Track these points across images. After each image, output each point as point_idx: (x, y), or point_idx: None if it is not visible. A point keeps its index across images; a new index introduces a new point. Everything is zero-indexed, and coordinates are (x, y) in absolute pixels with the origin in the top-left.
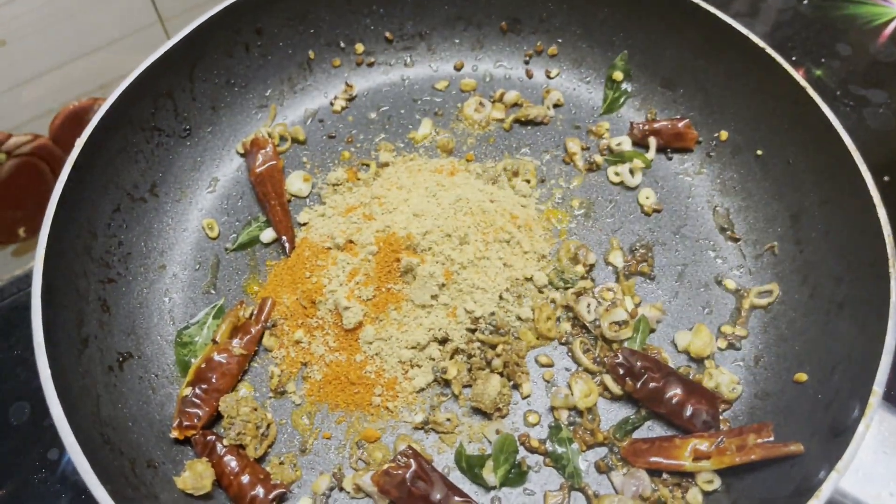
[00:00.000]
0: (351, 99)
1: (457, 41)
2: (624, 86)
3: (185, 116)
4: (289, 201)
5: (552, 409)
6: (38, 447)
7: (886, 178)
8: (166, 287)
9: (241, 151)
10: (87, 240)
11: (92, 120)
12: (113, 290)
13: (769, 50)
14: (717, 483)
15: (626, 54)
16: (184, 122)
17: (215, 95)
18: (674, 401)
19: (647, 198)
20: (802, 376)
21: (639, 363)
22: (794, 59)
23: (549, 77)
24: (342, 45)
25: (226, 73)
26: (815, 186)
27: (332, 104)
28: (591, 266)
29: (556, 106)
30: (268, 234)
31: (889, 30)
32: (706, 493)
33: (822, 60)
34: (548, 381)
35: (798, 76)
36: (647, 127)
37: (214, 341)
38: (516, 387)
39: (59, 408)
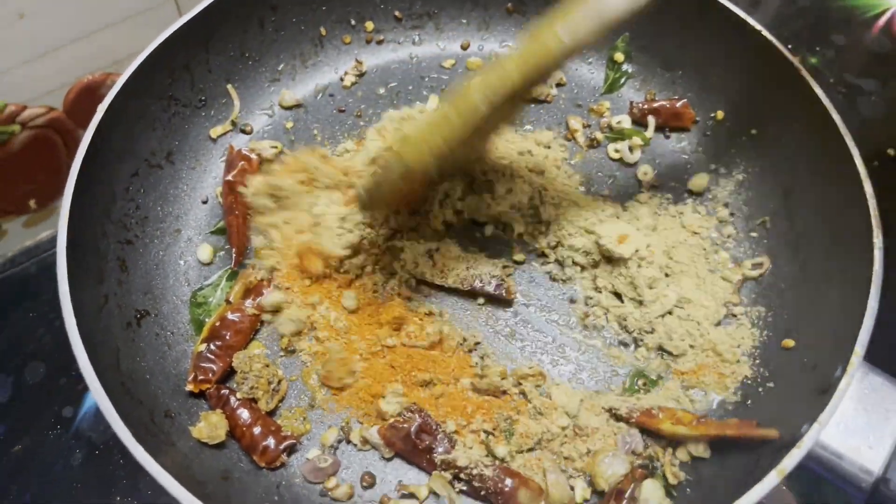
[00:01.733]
0: (361, 75)
1: (464, 21)
2: (625, 67)
3: (201, 88)
4: None
5: None
6: (54, 405)
7: (876, 164)
8: (181, 250)
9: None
10: (107, 202)
11: (114, 87)
12: (131, 251)
13: (765, 33)
14: (706, 453)
15: (627, 36)
16: (199, 93)
17: (230, 68)
18: None
19: (645, 174)
20: (790, 342)
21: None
22: (790, 47)
23: None
24: (353, 22)
25: (240, 47)
26: (806, 165)
27: (342, 79)
28: None
29: (558, 85)
30: (204, 253)
31: (882, 21)
32: (694, 457)
33: (818, 49)
34: None
35: (792, 58)
36: (646, 106)
37: (228, 301)
38: None
39: (84, 353)
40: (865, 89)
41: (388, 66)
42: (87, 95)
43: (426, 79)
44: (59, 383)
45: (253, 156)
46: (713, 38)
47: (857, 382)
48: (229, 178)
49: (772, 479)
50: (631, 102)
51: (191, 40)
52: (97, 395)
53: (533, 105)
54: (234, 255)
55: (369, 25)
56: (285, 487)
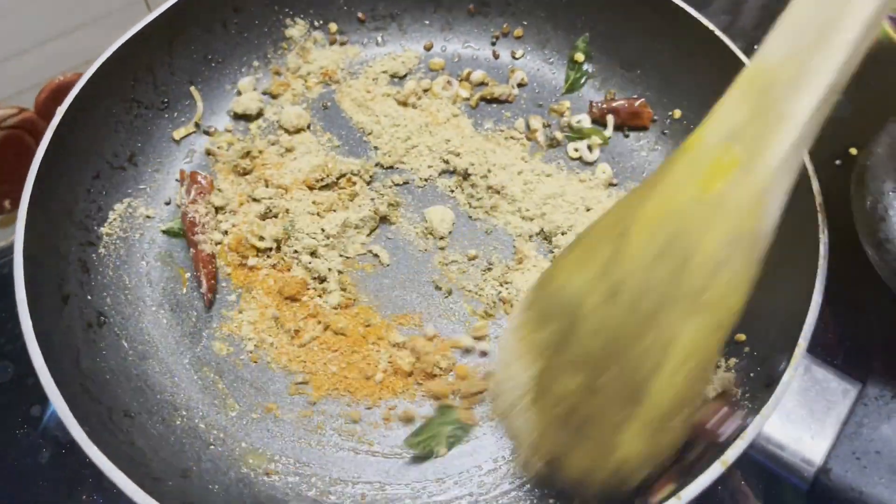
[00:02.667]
0: None
1: (427, 22)
2: (585, 66)
3: (164, 89)
4: None
5: None
6: (22, 404)
7: (838, 162)
8: (144, 251)
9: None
10: (68, 204)
11: (74, 88)
12: (92, 253)
13: (718, 33)
14: None
15: (587, 37)
16: (162, 95)
17: (193, 70)
18: None
19: (604, 172)
20: (741, 336)
21: None
22: (756, 47)
23: (514, 58)
24: (316, 24)
25: (204, 49)
26: None
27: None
28: None
29: (520, 85)
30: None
31: None
32: None
33: None
34: None
35: (744, 57)
36: (605, 106)
37: None
38: None
39: (39, 354)
40: None
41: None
42: (58, 96)
43: None
44: (28, 383)
45: (203, 181)
46: (670, 39)
47: (801, 375)
48: (187, 210)
49: (715, 470)
50: (591, 102)
51: (153, 42)
52: (51, 393)
53: (495, 105)
54: (205, 296)
55: (333, 27)
56: (246, 485)
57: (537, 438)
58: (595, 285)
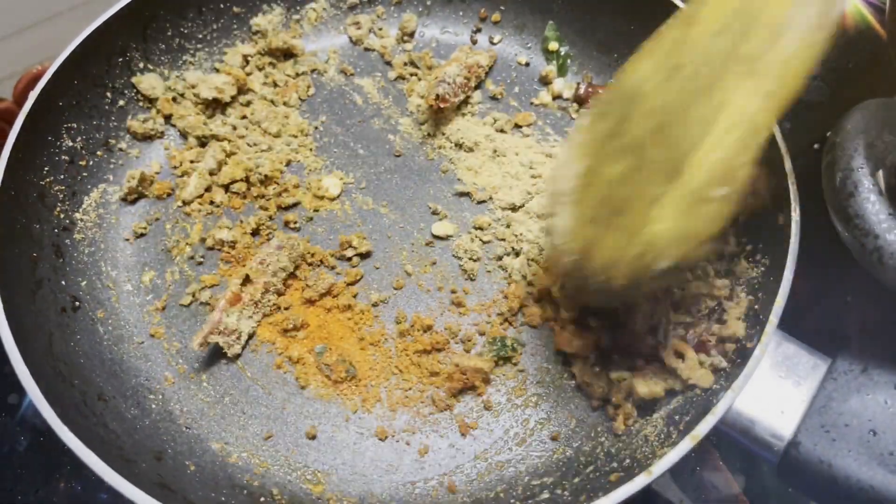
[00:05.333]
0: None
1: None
2: (562, 51)
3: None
4: None
5: None
6: None
7: (816, 146)
8: (118, 236)
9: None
10: (42, 188)
11: (46, 73)
12: (66, 238)
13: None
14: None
15: (553, 24)
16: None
17: (167, 56)
18: None
19: None
20: None
21: None
22: None
23: (492, 43)
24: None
25: (178, 35)
26: None
27: None
28: None
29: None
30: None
31: None
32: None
33: None
34: None
35: None
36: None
37: None
38: None
39: (11, 338)
40: None
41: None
42: (36, 86)
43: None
44: (4, 371)
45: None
46: (644, 21)
47: (772, 351)
48: None
49: (685, 445)
50: (577, 84)
51: (127, 27)
52: (22, 376)
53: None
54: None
55: (311, 14)
56: (220, 467)
57: (574, 228)
58: (657, 68)
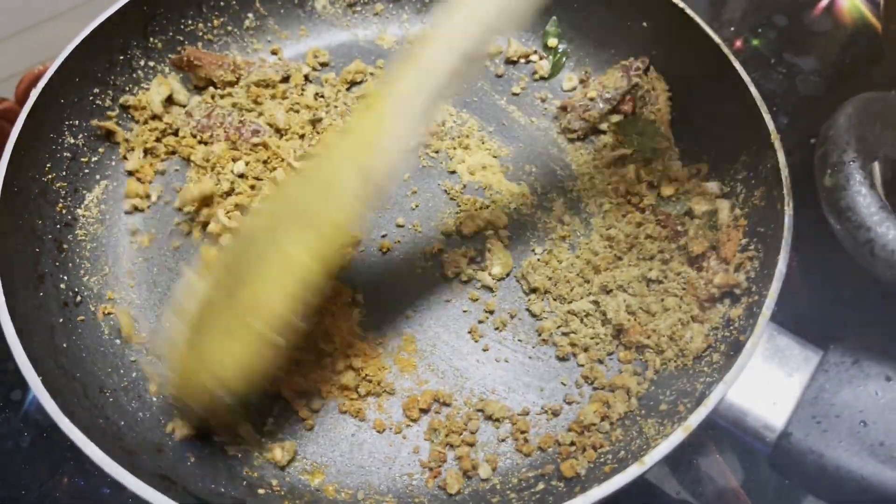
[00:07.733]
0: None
1: (405, 4)
2: (560, 48)
3: (139, 74)
4: None
5: None
6: (2, 389)
7: (812, 140)
8: (120, 231)
9: None
10: (44, 185)
11: (48, 70)
12: (68, 233)
13: (688, 11)
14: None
15: (556, 20)
16: (138, 79)
17: (168, 53)
18: None
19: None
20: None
21: None
22: (732, 29)
23: None
24: (296, 2)
25: (179, 33)
26: (727, 139)
27: None
28: None
29: (498, 77)
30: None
31: (824, 1)
32: None
33: (759, 31)
34: None
35: (711, 32)
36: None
37: None
38: None
39: (13, 331)
40: (804, 68)
41: (328, 46)
42: None
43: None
44: (8, 368)
45: None
46: (639, 17)
47: (765, 343)
48: None
49: (678, 436)
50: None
51: (128, 25)
52: (24, 368)
53: None
54: None
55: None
56: (220, 458)
57: (177, 344)
58: (258, 215)
